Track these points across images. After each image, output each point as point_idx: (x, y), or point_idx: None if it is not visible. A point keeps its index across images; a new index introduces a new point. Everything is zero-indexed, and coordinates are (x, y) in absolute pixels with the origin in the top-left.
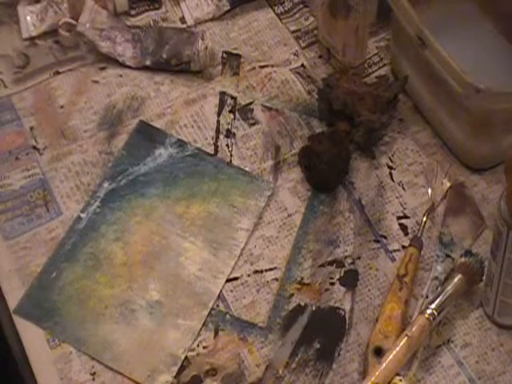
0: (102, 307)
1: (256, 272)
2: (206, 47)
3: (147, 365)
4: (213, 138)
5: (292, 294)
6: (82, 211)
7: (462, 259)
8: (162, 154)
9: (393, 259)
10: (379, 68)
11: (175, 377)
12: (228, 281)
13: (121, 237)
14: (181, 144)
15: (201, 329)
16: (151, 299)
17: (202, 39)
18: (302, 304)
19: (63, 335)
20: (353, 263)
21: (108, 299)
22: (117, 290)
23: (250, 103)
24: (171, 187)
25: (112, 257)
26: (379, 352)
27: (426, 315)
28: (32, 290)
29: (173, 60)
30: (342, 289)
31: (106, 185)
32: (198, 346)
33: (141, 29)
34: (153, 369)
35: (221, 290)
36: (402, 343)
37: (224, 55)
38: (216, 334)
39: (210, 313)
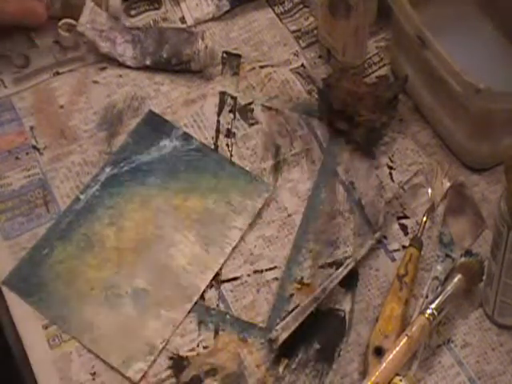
0: (88, 289)
1: (256, 272)
2: (206, 46)
3: (124, 351)
4: (213, 138)
5: (292, 294)
6: (82, 192)
7: (462, 259)
8: (167, 145)
9: (393, 259)
10: (379, 68)
11: (150, 366)
12: (228, 281)
13: (115, 222)
14: (186, 137)
15: (181, 322)
16: (137, 287)
17: (202, 39)
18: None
19: (47, 312)
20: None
21: (95, 281)
22: (104, 274)
23: (250, 103)
24: (171, 179)
25: (104, 240)
26: (379, 352)
27: (426, 315)
28: (22, 263)
29: (173, 59)
30: (342, 289)
31: (107, 169)
32: (197, 345)
33: (141, 30)
34: (129, 355)
35: (208, 286)
36: (402, 343)
37: (224, 55)
38: (216, 334)
39: (192, 307)
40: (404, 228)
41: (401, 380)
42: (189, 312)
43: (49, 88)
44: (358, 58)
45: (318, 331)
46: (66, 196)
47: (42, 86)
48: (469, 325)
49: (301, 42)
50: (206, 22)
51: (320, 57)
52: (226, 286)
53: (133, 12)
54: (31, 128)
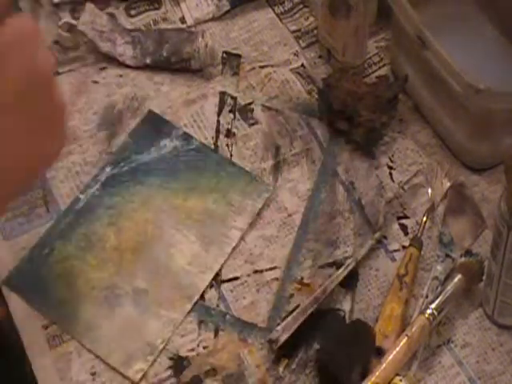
0: (89, 289)
1: (256, 272)
2: (206, 45)
3: (124, 351)
4: (213, 138)
5: (292, 295)
6: (82, 192)
7: (462, 259)
8: (167, 145)
9: (393, 259)
10: (379, 68)
11: (150, 366)
12: (228, 281)
13: (115, 222)
14: (186, 137)
15: (181, 322)
16: (137, 287)
17: (202, 37)
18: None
19: (47, 312)
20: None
21: (95, 281)
22: (105, 274)
23: (250, 103)
24: (171, 179)
25: (105, 240)
26: (379, 352)
27: (426, 315)
28: (22, 263)
29: (173, 57)
30: (342, 289)
31: (107, 169)
32: (197, 346)
33: (141, 31)
34: (129, 355)
35: (208, 286)
36: (402, 343)
37: (224, 55)
38: (216, 334)
39: (192, 307)
40: (404, 228)
41: (401, 380)
42: (189, 312)
43: None
44: (358, 57)
45: (318, 331)
46: (66, 196)
47: None
48: (469, 325)
49: (301, 42)
50: (206, 21)
51: (320, 57)
52: (226, 286)
53: (133, 12)
54: None
